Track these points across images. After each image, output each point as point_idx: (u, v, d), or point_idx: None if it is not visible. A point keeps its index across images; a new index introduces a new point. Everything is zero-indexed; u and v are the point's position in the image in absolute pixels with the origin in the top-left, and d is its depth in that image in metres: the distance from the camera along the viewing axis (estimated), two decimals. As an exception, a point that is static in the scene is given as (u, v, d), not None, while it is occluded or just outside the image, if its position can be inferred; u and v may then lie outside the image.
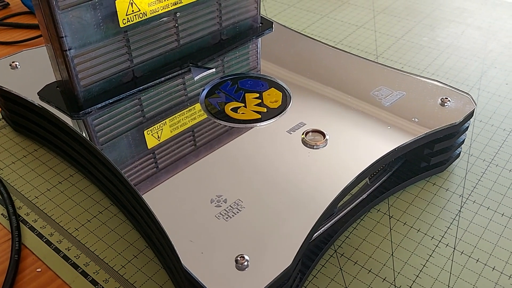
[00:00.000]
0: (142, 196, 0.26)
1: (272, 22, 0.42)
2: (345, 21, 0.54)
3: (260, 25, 0.42)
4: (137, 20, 0.33)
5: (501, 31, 0.51)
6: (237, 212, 0.25)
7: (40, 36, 0.50)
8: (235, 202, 0.26)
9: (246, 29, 0.41)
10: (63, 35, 0.30)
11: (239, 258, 0.23)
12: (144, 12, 0.33)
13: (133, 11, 0.33)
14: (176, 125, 0.31)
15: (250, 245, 0.23)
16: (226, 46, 0.39)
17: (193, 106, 0.33)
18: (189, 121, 0.32)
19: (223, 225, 0.24)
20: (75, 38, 0.31)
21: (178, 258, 0.23)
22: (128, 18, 0.33)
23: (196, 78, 0.36)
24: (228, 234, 0.24)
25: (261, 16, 0.42)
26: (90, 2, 0.30)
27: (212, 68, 0.36)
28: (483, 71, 0.45)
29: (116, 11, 0.32)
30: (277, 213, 0.25)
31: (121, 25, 0.33)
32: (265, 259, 0.23)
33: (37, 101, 0.34)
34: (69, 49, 0.31)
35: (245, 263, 0.22)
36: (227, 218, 0.25)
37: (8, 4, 0.56)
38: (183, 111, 0.33)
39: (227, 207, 0.25)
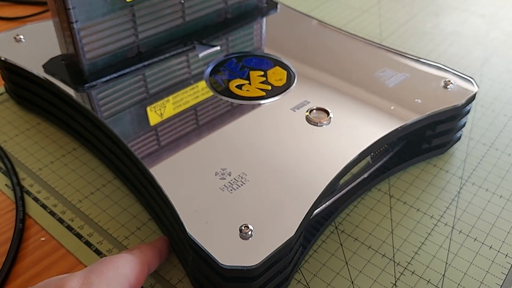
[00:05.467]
0: (149, 168, 0.26)
1: (277, 3, 0.42)
2: (350, 5, 0.54)
3: (265, 5, 0.41)
4: (144, -5, 0.33)
5: (504, 20, 0.52)
6: (241, 185, 0.25)
7: (42, 12, 0.50)
8: (239, 175, 0.26)
9: (251, 8, 0.41)
10: (70, 7, 0.30)
11: (243, 228, 0.23)
12: (150, -13, 0.33)
13: (139, -15, 0.33)
14: (181, 101, 0.32)
15: (254, 216, 0.24)
16: (231, 24, 0.39)
17: (198, 83, 0.33)
18: (194, 97, 0.32)
19: (227, 196, 0.25)
20: (82, 11, 0.31)
21: (184, 227, 0.23)
22: (134, -8, 0.33)
23: (201, 55, 0.36)
24: (232, 205, 0.24)
25: (266, -4, 0.42)
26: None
27: (217, 46, 0.37)
28: (485, 59, 0.45)
29: (123, -16, 0.32)
30: (280, 186, 0.25)
31: (128, 0, 0.32)
32: (269, 229, 0.23)
33: (42, 73, 0.34)
34: (76, 22, 0.31)
35: (249, 233, 0.23)
36: (231, 190, 0.25)
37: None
38: (188, 88, 0.33)
39: (232, 180, 0.26)
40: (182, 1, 0.35)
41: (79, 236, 0.28)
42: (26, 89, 0.36)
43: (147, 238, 0.28)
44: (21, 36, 0.37)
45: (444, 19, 0.51)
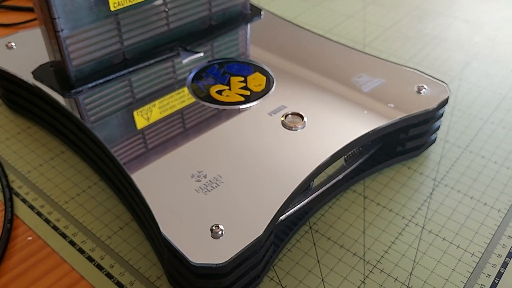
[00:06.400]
0: (128, 172, 0.28)
1: (261, 10, 0.44)
2: (336, 11, 0.55)
3: (250, 12, 0.43)
4: (128, 4, 0.34)
5: (487, 24, 0.53)
6: (216, 186, 0.27)
7: (34, 19, 0.51)
8: (214, 177, 0.27)
9: (236, 15, 0.42)
10: (56, 17, 0.32)
11: (214, 228, 0.24)
12: (134, -4, 0.35)
13: (124, -5, 0.34)
14: (164, 107, 0.33)
15: (225, 216, 0.25)
16: (215, 31, 0.40)
17: (181, 89, 0.34)
18: (177, 103, 0.33)
19: (201, 197, 0.26)
20: (68, 20, 0.32)
21: (158, 227, 0.25)
22: (119, 1, 0.34)
23: (184, 61, 0.37)
24: (206, 206, 0.26)
25: (250, 4, 0.43)
26: (82, -15, 0.32)
27: (201, 52, 0.38)
28: (466, 62, 0.47)
29: (108, -6, 0.33)
30: (252, 187, 0.27)
31: (112, 9, 0.34)
32: (239, 228, 0.24)
33: (31, 80, 0.35)
34: (62, 30, 0.32)
35: (220, 232, 0.24)
36: (205, 191, 0.26)
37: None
38: (171, 93, 0.34)
39: (207, 182, 0.27)
40: (166, 9, 0.37)
41: (64, 235, 0.30)
42: (17, 94, 0.37)
43: (129, 237, 0.30)
44: (13, 43, 0.39)
45: (428, 24, 0.53)
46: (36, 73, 0.35)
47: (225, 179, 0.27)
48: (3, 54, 0.38)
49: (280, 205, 0.25)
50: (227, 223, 0.25)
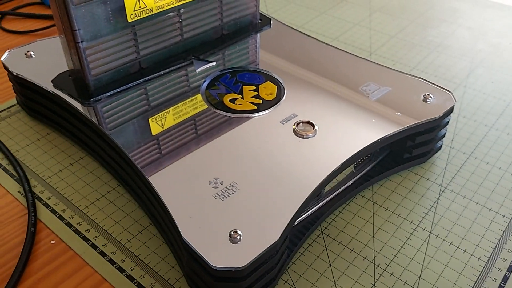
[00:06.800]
0: (148, 177, 0.29)
1: (270, 19, 0.45)
2: (342, 19, 0.56)
3: (259, 21, 0.44)
4: (144, 16, 0.36)
5: (491, 32, 0.54)
6: (232, 193, 0.28)
7: (49, 26, 0.53)
8: (230, 184, 0.28)
9: (246, 25, 0.43)
10: (76, 28, 0.33)
11: (232, 233, 0.25)
12: (150, 8, 0.36)
13: (140, 7, 0.35)
14: (178, 114, 0.34)
15: (243, 221, 0.26)
16: (227, 41, 0.42)
17: (194, 97, 0.36)
18: (191, 110, 0.35)
19: (219, 204, 0.27)
20: (87, 31, 0.33)
21: (179, 232, 0.26)
22: (135, 13, 0.35)
23: (198, 70, 0.38)
24: (224, 212, 0.27)
25: (260, 13, 0.44)
26: (101, -2, 0.33)
27: (213, 62, 0.39)
28: (471, 70, 0.48)
29: (125, 6, 0.34)
30: (267, 194, 0.28)
31: (129, 20, 0.35)
32: (256, 234, 0.26)
33: (51, 88, 0.36)
34: (82, 41, 0.33)
35: (238, 237, 0.25)
36: (223, 198, 0.28)
37: (20, -6, 0.58)
38: (185, 101, 0.35)
39: (223, 188, 0.28)
40: (180, 20, 0.38)
41: (85, 239, 0.31)
42: (36, 101, 0.39)
43: (147, 241, 0.31)
44: (32, 52, 0.40)
45: (432, 31, 0.54)
46: (56, 82, 0.37)
47: (240, 185, 0.28)
48: (23, 63, 0.39)
49: (295, 211, 0.27)
50: (245, 228, 0.26)
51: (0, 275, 0.29)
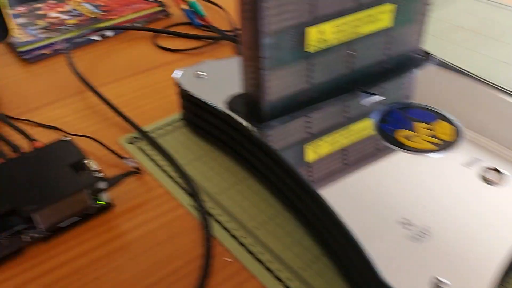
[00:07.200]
0: (334, 211, 0.29)
1: (431, 55, 0.44)
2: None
3: (421, 57, 0.43)
4: (323, 47, 0.37)
5: None
6: (427, 238, 0.27)
7: (199, 47, 0.56)
8: (423, 228, 0.28)
9: (408, 59, 0.43)
10: (264, 56, 0.34)
11: (435, 280, 0.25)
12: (329, 40, 0.37)
13: (320, 38, 0.36)
14: (351, 144, 0.34)
15: (445, 269, 0.25)
16: (389, 75, 0.41)
17: (366, 130, 0.36)
18: (358, 139, 0.34)
19: (415, 247, 0.27)
20: (271, 59, 0.35)
21: (374, 271, 0.25)
22: (315, 44, 0.36)
23: (364, 103, 0.38)
24: (422, 256, 0.26)
25: (423, 49, 0.44)
26: (289, 29, 0.34)
27: (378, 94, 0.39)
28: None
29: (307, 37, 0.35)
30: (467, 244, 0.27)
31: (309, 50, 0.36)
32: (463, 284, 0.25)
33: (223, 108, 0.38)
34: (265, 69, 0.35)
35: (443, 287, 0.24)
36: (417, 241, 0.27)
37: (170, 14, 0.62)
38: (356, 132, 0.35)
39: (418, 232, 0.28)
40: (353, 52, 0.39)
41: (259, 261, 0.32)
42: (203, 119, 0.41)
43: (320, 271, 0.31)
44: (201, 72, 0.42)
45: None
46: (229, 103, 0.38)
47: (434, 231, 0.28)
48: (194, 82, 0.42)
49: (499, 267, 0.25)
50: (449, 276, 0.25)
51: (182, 285, 0.30)
